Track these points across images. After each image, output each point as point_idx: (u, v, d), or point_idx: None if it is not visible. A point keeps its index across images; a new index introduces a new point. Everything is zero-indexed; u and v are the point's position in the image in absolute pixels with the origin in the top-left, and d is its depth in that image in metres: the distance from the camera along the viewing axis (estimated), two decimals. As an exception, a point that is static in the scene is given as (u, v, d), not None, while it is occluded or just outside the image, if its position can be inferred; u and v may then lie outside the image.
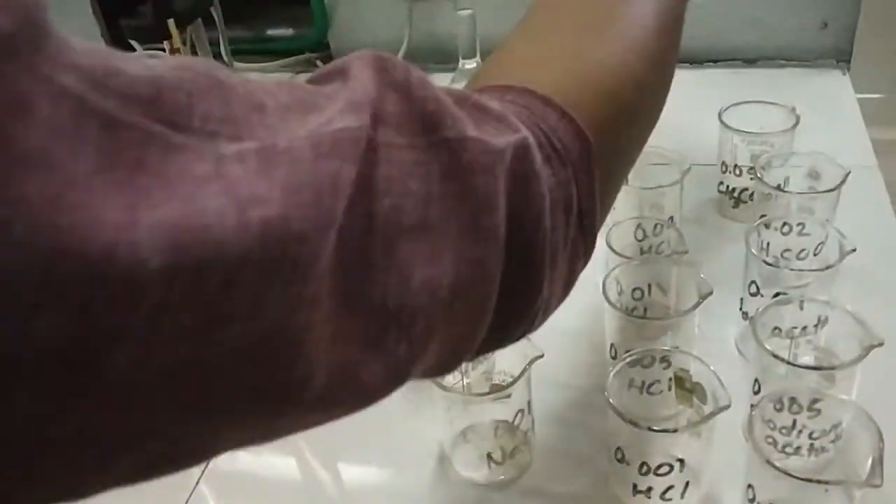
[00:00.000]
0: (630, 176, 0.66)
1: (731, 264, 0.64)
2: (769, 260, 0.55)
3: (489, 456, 0.50)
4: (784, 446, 0.48)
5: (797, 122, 0.66)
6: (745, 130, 0.66)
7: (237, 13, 0.70)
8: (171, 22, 0.64)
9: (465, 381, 0.53)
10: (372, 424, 0.57)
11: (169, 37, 0.65)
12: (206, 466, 0.55)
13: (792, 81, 0.89)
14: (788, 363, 0.46)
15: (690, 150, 0.67)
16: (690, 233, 0.60)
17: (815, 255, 0.58)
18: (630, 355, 0.49)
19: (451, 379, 0.52)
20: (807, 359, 0.53)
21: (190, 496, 0.53)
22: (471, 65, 0.83)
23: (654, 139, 0.68)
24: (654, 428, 0.45)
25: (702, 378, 0.47)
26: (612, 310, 0.52)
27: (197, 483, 0.54)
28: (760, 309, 0.50)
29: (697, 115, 0.79)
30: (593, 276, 0.65)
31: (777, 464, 0.41)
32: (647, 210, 0.64)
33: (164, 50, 0.67)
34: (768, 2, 0.89)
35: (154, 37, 0.66)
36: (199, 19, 0.70)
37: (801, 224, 0.58)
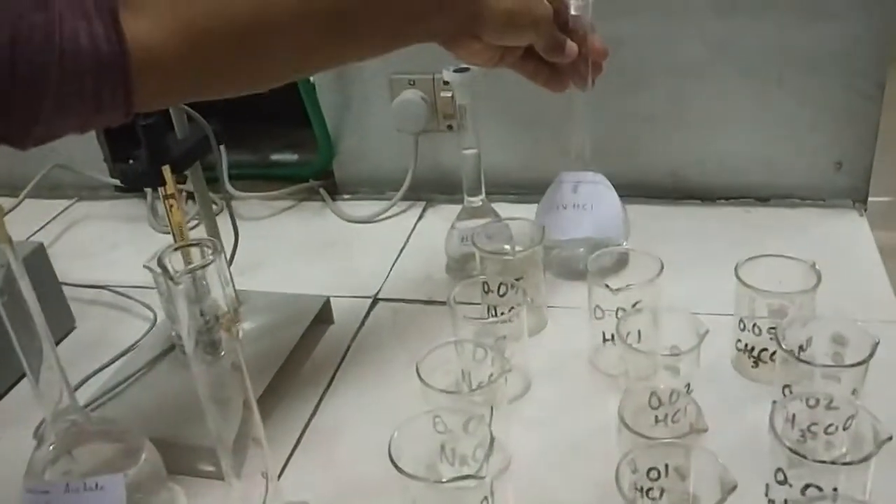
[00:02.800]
0: (643, 337, 0.63)
1: (754, 433, 0.60)
2: (795, 447, 0.50)
3: None
4: None
5: (819, 281, 0.62)
6: (764, 289, 0.63)
7: (241, 136, 0.68)
8: (165, 169, 0.62)
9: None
10: None
11: (164, 183, 0.63)
12: None
13: (806, 221, 0.86)
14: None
15: (704, 299, 0.63)
16: (708, 397, 0.56)
17: (844, 429, 0.54)
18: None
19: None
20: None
21: None
22: (476, 203, 0.81)
23: (668, 288, 0.66)
24: None
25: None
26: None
27: None
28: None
29: (710, 254, 0.77)
30: (606, 448, 0.60)
31: None
32: (662, 371, 0.60)
33: (158, 196, 0.65)
34: (780, 142, 0.87)
35: (148, 183, 0.63)
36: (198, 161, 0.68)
37: (829, 399, 0.54)
